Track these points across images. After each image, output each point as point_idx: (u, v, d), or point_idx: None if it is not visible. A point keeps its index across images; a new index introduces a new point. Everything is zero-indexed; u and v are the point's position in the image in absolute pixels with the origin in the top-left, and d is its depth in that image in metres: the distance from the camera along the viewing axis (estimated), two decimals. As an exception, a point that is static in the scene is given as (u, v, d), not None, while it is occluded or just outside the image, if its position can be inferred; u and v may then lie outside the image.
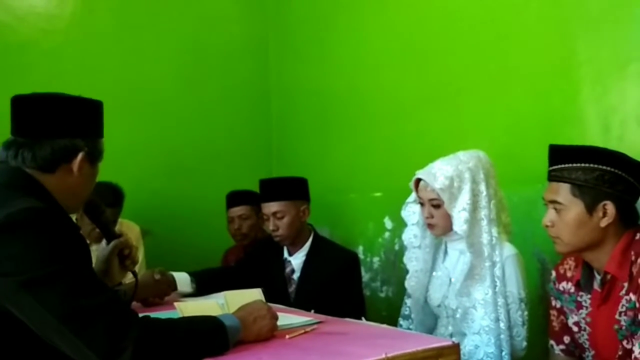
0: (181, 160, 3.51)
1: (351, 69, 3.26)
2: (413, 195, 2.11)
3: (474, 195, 1.95)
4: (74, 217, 1.63)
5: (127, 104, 3.27)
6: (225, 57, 3.71)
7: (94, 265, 1.46)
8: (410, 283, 2.14)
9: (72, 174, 1.43)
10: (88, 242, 1.49)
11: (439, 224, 2.01)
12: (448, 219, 1.98)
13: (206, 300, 1.99)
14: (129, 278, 1.82)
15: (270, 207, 2.52)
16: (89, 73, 3.18)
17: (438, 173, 1.96)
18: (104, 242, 1.75)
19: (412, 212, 2.14)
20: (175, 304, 1.72)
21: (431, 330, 2.15)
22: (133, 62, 3.41)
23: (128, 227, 2.89)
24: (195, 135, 3.57)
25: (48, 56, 3.17)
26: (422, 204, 2.06)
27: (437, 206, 1.98)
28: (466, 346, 1.94)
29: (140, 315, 1.34)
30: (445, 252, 2.12)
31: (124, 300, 1.66)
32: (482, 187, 1.96)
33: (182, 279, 2.32)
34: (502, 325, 1.91)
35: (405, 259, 2.17)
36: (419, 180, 2.04)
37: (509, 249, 1.98)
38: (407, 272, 2.17)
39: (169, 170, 3.45)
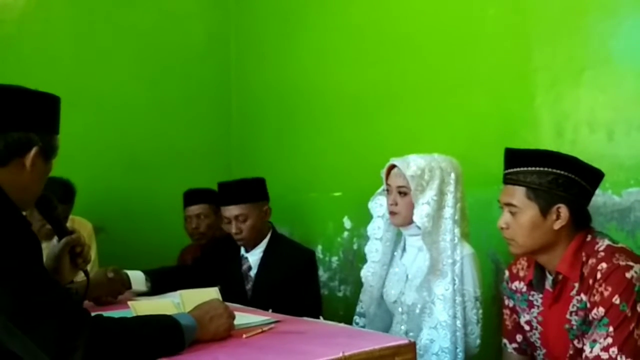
0: (138, 158, 3.43)
1: (312, 70, 3.26)
2: (382, 187, 2.15)
3: (441, 193, 2.01)
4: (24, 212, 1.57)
5: (83, 98, 3.17)
6: (186, 55, 3.65)
7: (44, 262, 1.41)
8: (366, 273, 2.18)
9: (24, 168, 1.38)
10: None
11: (401, 212, 2.05)
12: (411, 209, 2.01)
13: (161, 300, 1.95)
14: (80, 276, 1.77)
15: (232, 211, 2.46)
16: (43, 66, 3.08)
17: (412, 162, 2.02)
18: (55, 239, 1.69)
19: (379, 205, 2.19)
20: (129, 303, 1.68)
21: (387, 327, 2.17)
22: (90, 57, 3.32)
23: (80, 224, 2.81)
24: (153, 133, 3.50)
25: (-1, 47, 3.05)
26: (388, 192, 2.09)
27: (404, 194, 2.03)
28: (422, 339, 1.98)
29: (93, 314, 1.30)
30: (404, 249, 2.15)
31: (76, 299, 1.61)
32: (452, 188, 2.02)
33: (137, 278, 2.27)
34: (458, 322, 1.96)
35: (366, 249, 2.22)
36: (391, 168, 2.08)
37: (467, 248, 2.03)
38: (366, 267, 2.20)
39: (125, 168, 3.37)
